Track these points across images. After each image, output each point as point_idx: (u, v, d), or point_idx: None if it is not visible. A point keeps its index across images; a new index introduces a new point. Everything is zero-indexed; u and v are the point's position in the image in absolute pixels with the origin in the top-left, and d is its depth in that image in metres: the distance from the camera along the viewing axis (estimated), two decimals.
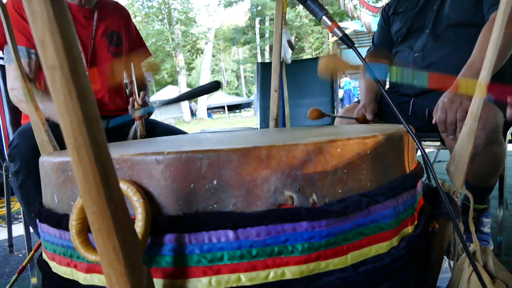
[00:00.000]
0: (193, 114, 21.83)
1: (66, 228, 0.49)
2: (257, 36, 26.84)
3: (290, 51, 1.24)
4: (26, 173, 1.08)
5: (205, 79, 20.72)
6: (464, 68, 1.13)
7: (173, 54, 21.67)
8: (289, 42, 1.21)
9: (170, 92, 22.93)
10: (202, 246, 0.43)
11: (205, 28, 22.62)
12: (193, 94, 1.03)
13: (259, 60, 26.34)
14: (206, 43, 21.56)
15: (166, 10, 21.62)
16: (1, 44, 1.28)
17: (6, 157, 1.68)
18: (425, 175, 2.17)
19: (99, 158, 0.31)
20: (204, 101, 20.91)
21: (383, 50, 1.57)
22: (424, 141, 1.56)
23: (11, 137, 1.64)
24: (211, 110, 24.26)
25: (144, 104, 1.40)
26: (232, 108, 25.87)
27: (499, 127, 1.07)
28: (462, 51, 1.26)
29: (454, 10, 1.29)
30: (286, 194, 0.44)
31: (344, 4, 10.24)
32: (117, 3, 1.57)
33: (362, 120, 1.32)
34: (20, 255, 1.77)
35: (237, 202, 0.43)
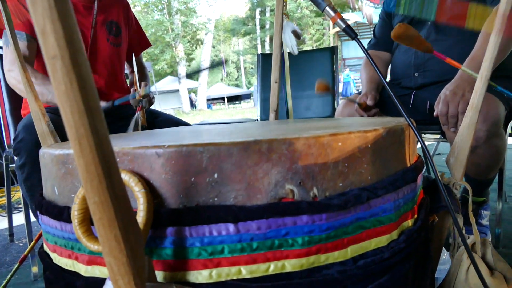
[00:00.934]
0: (192, 105, 21.77)
1: (67, 220, 0.49)
2: (258, 27, 26.65)
3: (295, 41, 1.22)
4: (31, 167, 1.09)
5: (204, 70, 20.62)
6: (467, 60, 1.13)
7: (173, 45, 21.54)
8: (294, 32, 1.20)
9: (169, 82, 22.85)
10: (203, 239, 0.43)
11: (205, 19, 22.44)
12: (199, 70, 1.00)
13: (259, 51, 26.20)
14: (206, 33, 21.41)
15: (166, 0, 21.43)
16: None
17: (6, 147, 1.69)
18: (425, 168, 2.17)
19: (100, 148, 0.31)
20: (203, 92, 20.85)
21: (384, 42, 1.56)
22: (424, 133, 1.56)
23: (10, 127, 1.64)
24: (211, 101, 24.19)
25: (145, 94, 1.40)
26: (232, 99, 25.78)
27: (501, 120, 1.07)
28: (465, 43, 1.25)
29: (457, 3, 1.28)
30: (286, 188, 0.44)
31: None
32: None
33: (365, 107, 1.30)
34: (21, 244, 1.78)
35: (238, 196, 0.43)
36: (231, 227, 0.43)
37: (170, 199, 0.44)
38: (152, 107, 1.53)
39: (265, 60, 2.43)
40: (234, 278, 0.44)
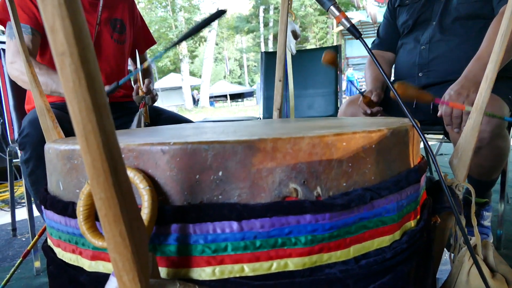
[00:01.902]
0: (195, 102, 21.77)
1: (71, 215, 0.49)
2: (261, 25, 26.60)
3: (294, 41, 1.22)
4: (36, 162, 1.10)
5: (208, 67, 20.61)
6: (472, 61, 1.12)
7: None
8: (293, 32, 1.19)
9: (172, 79, 22.84)
10: (206, 237, 0.43)
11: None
12: (200, 26, 0.97)
13: (263, 49, 26.15)
14: (210, 31, 21.38)
15: None
16: (3, 21, 1.28)
17: (10, 142, 1.70)
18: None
19: (107, 145, 0.31)
20: (206, 89, 20.84)
21: (388, 42, 1.56)
22: (427, 134, 1.55)
23: (14, 123, 1.65)
24: (213, 98, 24.18)
25: (148, 91, 1.40)
26: (235, 97, 25.77)
27: (504, 122, 1.07)
28: (470, 44, 1.25)
29: (462, 2, 1.27)
30: (290, 187, 0.44)
31: None
32: None
33: (369, 101, 1.28)
34: (23, 239, 1.79)
35: (242, 194, 0.44)
36: (234, 225, 0.43)
37: (175, 196, 0.44)
38: (155, 104, 1.53)
39: (268, 58, 2.43)
40: (237, 275, 0.44)
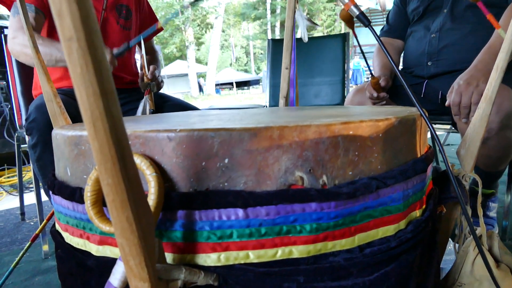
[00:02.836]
0: (201, 89, 21.72)
1: (79, 200, 0.50)
2: (268, 12, 26.29)
3: (306, 29, 1.21)
4: (43, 146, 1.11)
5: (214, 55, 20.50)
6: (483, 50, 1.10)
7: (183, 28, 21.40)
8: (310, 20, 1.18)
9: (178, 66, 22.77)
10: (212, 223, 0.44)
11: (215, 2, 22.18)
12: None
13: (270, 36, 25.90)
14: (216, 17, 21.21)
15: None
16: (9, 3, 1.28)
17: (18, 128, 1.71)
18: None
19: (114, 131, 0.31)
20: (212, 77, 20.77)
21: (397, 29, 1.53)
22: (435, 123, 1.54)
23: (22, 109, 1.66)
24: (219, 86, 24.10)
25: (154, 78, 1.40)
26: (241, 84, 25.64)
27: None
28: (481, 32, 1.22)
29: None
30: (296, 175, 0.44)
31: None
32: None
33: (377, 84, 1.25)
34: (32, 223, 1.82)
35: (248, 181, 0.44)
36: (240, 212, 0.43)
37: (181, 183, 0.44)
38: (161, 91, 1.53)
39: (275, 45, 2.41)
40: (242, 262, 0.44)
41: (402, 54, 1.56)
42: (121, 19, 1.46)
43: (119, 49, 1.21)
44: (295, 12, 1.14)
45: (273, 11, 26.12)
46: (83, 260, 0.52)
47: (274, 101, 2.35)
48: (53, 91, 0.77)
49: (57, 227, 0.61)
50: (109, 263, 0.48)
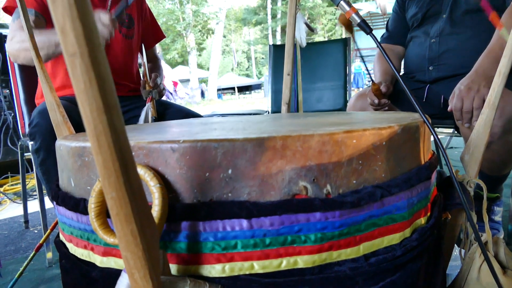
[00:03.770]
0: (203, 95, 21.76)
1: (83, 212, 0.50)
2: (269, 17, 26.38)
3: (305, 34, 1.21)
4: (46, 151, 1.12)
5: (216, 60, 20.56)
6: (482, 55, 1.10)
7: (184, 34, 21.51)
8: (306, 24, 1.19)
9: (180, 72, 22.84)
10: (216, 234, 0.43)
11: (216, 8, 22.29)
12: None
13: (271, 41, 25.96)
14: (217, 23, 21.29)
15: None
16: (11, 9, 1.28)
17: (21, 136, 1.72)
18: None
19: (118, 145, 0.32)
20: (214, 82, 20.82)
21: (397, 36, 1.54)
22: (438, 127, 1.54)
23: (25, 117, 1.66)
24: (221, 91, 24.14)
25: (156, 85, 1.41)
26: (242, 89, 25.66)
27: None
28: (480, 37, 1.23)
29: None
30: (300, 185, 0.44)
31: None
32: None
33: (377, 90, 1.26)
34: (36, 231, 1.82)
35: (251, 192, 0.44)
36: (244, 222, 0.43)
37: (185, 194, 0.44)
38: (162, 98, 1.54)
39: (277, 51, 2.42)
40: (247, 273, 0.44)
41: (403, 60, 1.56)
42: (123, 28, 1.47)
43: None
44: (296, 18, 1.14)
45: (274, 16, 26.23)
46: (87, 271, 0.52)
47: (276, 107, 2.36)
48: (56, 100, 0.78)
49: (61, 237, 0.61)
50: (114, 274, 0.48)
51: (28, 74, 1.66)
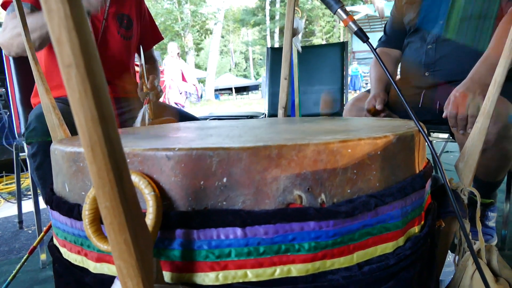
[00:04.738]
0: (200, 95, 21.71)
1: (77, 217, 0.50)
2: (267, 18, 26.41)
3: (299, 38, 1.22)
4: (43, 156, 1.11)
5: (213, 60, 20.55)
6: (478, 62, 1.11)
7: (182, 34, 21.49)
8: (294, 29, 1.19)
9: None
10: (210, 242, 0.43)
11: (214, 8, 22.29)
12: None
13: (269, 42, 25.99)
14: (216, 23, 21.29)
15: None
16: (8, 4, 1.28)
17: (17, 135, 1.71)
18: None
19: (112, 155, 0.32)
20: (211, 82, 20.81)
21: (394, 40, 1.54)
22: (433, 132, 1.55)
23: (21, 116, 1.66)
24: (219, 91, 24.11)
25: (153, 87, 1.40)
26: (240, 90, 25.65)
27: (511, 123, 1.06)
28: (477, 44, 1.23)
29: (470, 2, 1.26)
30: (295, 194, 0.44)
31: None
32: None
33: (373, 112, 1.30)
34: (30, 232, 1.81)
35: (246, 200, 0.44)
36: (238, 231, 0.43)
37: (179, 201, 0.44)
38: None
39: (274, 54, 2.42)
40: (240, 281, 0.44)
41: (399, 65, 1.57)
42: (122, 28, 1.46)
43: None
44: (293, 22, 1.15)
45: (272, 17, 26.26)
46: (81, 277, 0.52)
47: (273, 110, 2.36)
48: (52, 102, 0.78)
49: (55, 241, 0.61)
50: (107, 280, 0.48)
51: (24, 73, 1.65)
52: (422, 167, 0.60)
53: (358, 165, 0.47)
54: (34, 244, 0.95)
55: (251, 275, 0.44)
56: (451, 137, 1.43)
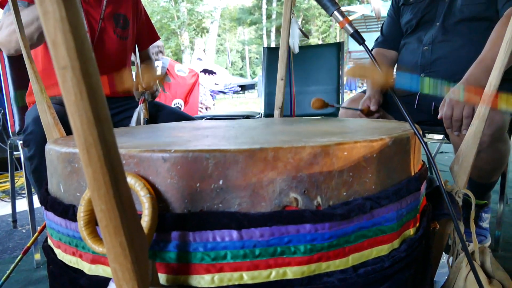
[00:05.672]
0: None
1: (72, 218, 0.50)
2: (264, 17, 26.38)
3: (298, 40, 1.22)
4: (40, 159, 1.11)
5: (210, 59, 20.49)
6: (474, 64, 1.12)
7: (178, 33, 21.43)
8: (301, 30, 1.19)
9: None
10: (206, 245, 0.43)
11: (211, 7, 22.26)
12: None
13: (265, 41, 25.97)
14: (212, 22, 21.26)
15: None
16: (3, 3, 1.27)
17: (11, 134, 1.70)
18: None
19: (108, 157, 0.31)
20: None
21: (391, 41, 1.55)
22: (428, 133, 1.56)
23: (15, 115, 1.64)
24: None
25: (148, 87, 1.40)
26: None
27: (505, 125, 1.07)
28: (473, 45, 1.24)
29: (467, 4, 1.26)
30: (291, 196, 0.44)
31: None
32: None
33: (367, 112, 1.31)
34: (24, 231, 1.80)
35: (242, 203, 0.44)
36: (234, 233, 0.43)
37: (175, 203, 0.44)
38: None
39: (270, 53, 2.42)
40: (236, 283, 0.44)
41: (395, 66, 1.57)
42: (118, 28, 1.46)
43: None
44: (290, 23, 1.15)
45: (268, 17, 26.23)
46: (75, 278, 0.51)
47: (269, 109, 2.36)
48: (47, 102, 0.77)
49: (50, 242, 0.61)
50: (102, 282, 0.48)
51: (19, 71, 1.64)
52: (417, 169, 0.61)
53: (354, 168, 0.47)
54: (28, 245, 0.94)
55: (246, 277, 0.44)
56: (445, 138, 1.44)
